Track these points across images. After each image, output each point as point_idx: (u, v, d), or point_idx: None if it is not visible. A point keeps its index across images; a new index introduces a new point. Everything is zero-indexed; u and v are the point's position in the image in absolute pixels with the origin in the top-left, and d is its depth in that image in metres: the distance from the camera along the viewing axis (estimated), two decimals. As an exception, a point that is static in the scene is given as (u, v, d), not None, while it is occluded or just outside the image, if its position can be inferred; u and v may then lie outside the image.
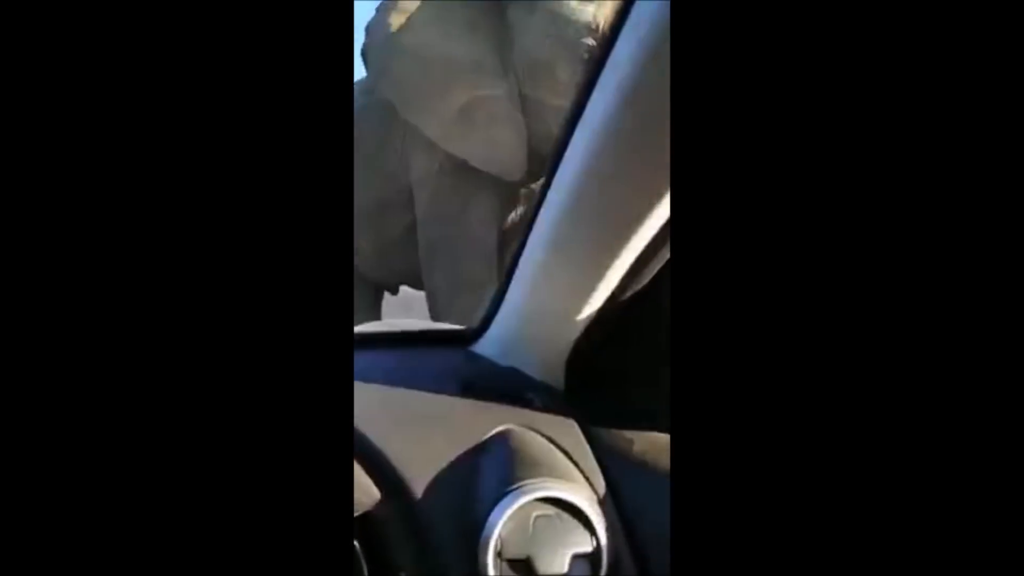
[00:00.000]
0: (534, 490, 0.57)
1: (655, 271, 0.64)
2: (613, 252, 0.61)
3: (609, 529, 0.58)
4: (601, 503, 0.60)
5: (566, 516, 0.58)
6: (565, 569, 0.56)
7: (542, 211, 0.63)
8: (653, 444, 0.65)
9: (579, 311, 0.66)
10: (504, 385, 0.71)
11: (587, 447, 0.65)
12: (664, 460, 0.63)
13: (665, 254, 0.63)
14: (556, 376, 0.73)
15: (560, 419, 0.67)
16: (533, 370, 0.73)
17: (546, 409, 0.69)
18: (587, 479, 0.62)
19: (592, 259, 0.62)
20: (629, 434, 0.66)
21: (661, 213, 0.57)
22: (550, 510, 0.57)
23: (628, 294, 0.66)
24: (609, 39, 0.50)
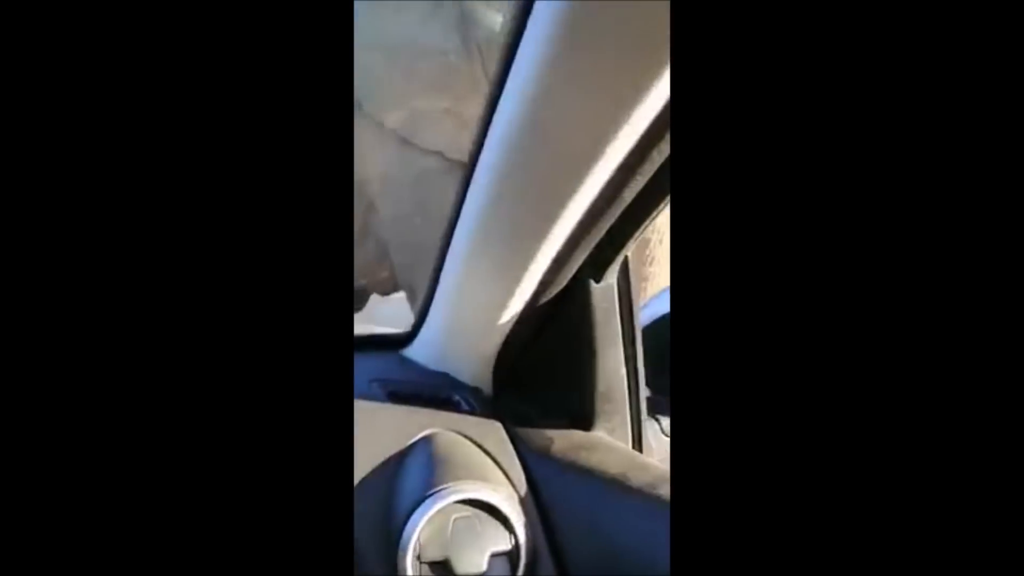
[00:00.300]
0: (453, 492, 0.59)
1: (571, 274, 0.66)
2: (529, 256, 0.62)
3: (528, 527, 0.60)
4: (521, 502, 0.62)
5: (485, 516, 0.60)
6: (484, 568, 0.58)
7: (461, 216, 0.64)
8: (572, 442, 0.67)
9: (501, 316, 0.68)
10: (433, 389, 0.73)
11: (510, 447, 0.67)
12: (582, 457, 0.65)
13: (579, 257, 0.64)
14: (485, 379, 0.74)
15: (486, 421, 0.69)
16: (462, 374, 0.75)
17: (473, 412, 0.70)
18: (509, 479, 0.64)
19: (510, 264, 0.64)
20: (550, 433, 0.68)
21: (571, 218, 0.58)
22: (469, 511, 0.59)
23: (547, 298, 0.67)
24: (511, 45, 0.51)
